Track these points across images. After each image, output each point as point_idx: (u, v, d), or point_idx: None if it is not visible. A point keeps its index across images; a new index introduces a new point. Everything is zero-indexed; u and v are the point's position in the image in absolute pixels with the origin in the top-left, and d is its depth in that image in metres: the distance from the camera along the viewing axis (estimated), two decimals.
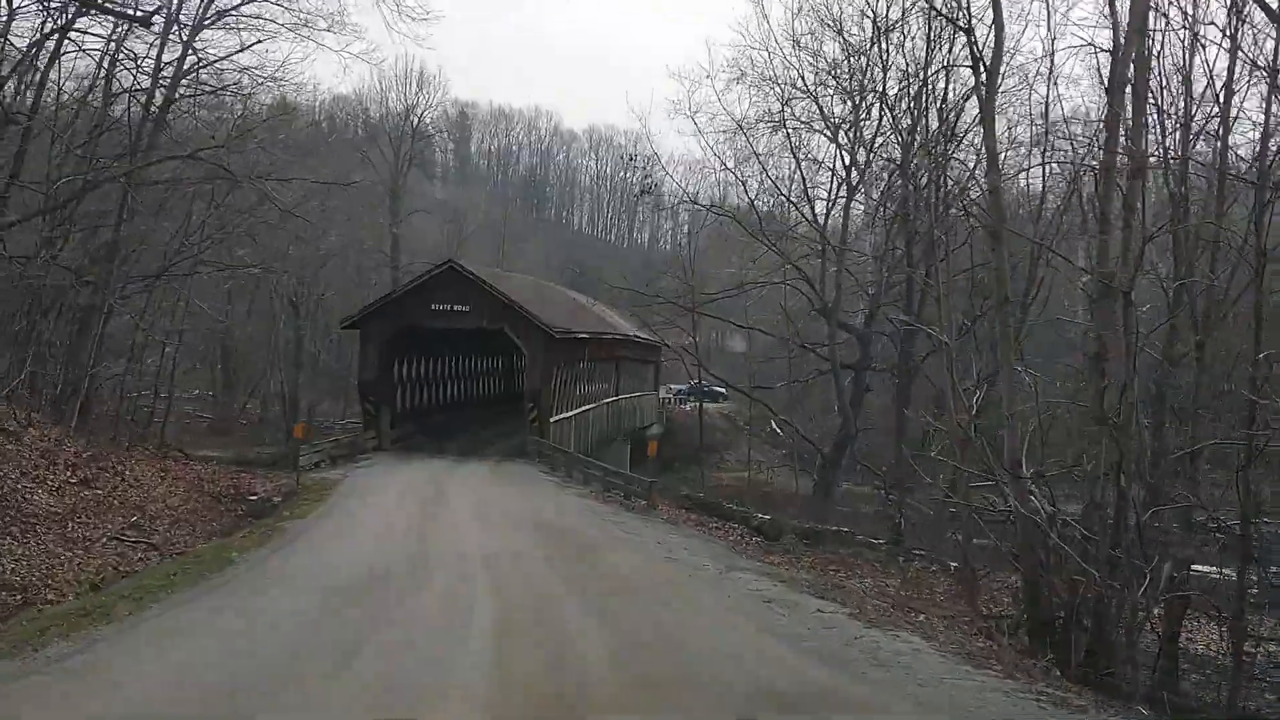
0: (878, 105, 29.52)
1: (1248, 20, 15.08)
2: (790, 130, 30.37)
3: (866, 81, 29.57)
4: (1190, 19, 15.18)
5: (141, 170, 23.35)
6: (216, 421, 42.22)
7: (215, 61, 25.72)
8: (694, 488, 31.61)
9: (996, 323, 13.02)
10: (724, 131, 32.60)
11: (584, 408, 34.41)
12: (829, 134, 30.12)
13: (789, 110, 30.22)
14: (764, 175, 31.04)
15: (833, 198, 30.59)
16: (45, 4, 19.78)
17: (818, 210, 31.05)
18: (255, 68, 25.43)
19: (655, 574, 13.73)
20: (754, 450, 43.08)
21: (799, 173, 31.35)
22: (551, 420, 29.65)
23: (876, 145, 29.94)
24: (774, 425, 44.46)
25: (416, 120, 62.10)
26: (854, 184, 30.10)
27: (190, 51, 25.56)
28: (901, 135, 28.68)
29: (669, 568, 14.19)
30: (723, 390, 49.74)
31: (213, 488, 23.47)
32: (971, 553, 15.73)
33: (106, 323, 23.10)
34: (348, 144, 50.04)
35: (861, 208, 33.01)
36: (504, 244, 67.51)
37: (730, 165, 31.15)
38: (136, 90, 24.68)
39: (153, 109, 24.46)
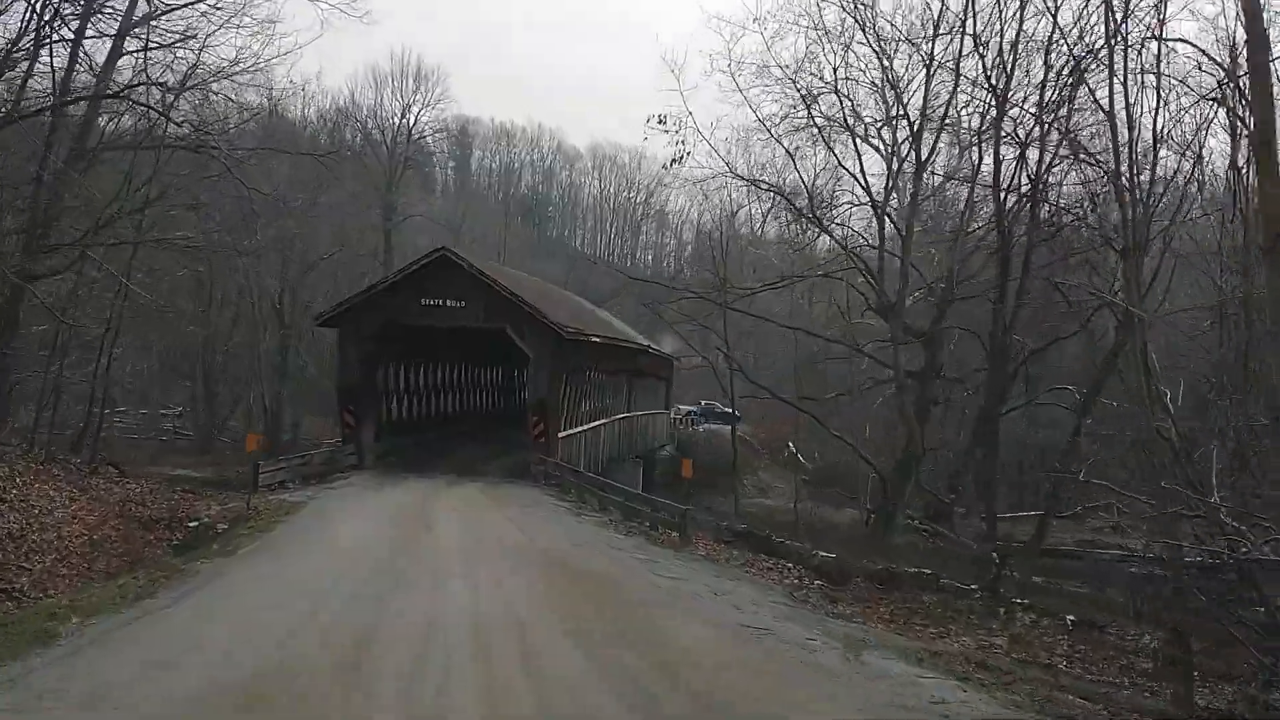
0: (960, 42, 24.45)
1: None
2: (844, 99, 25.71)
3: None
4: None
5: (67, 119, 19.11)
6: (196, 438, 38.64)
7: (169, 11, 21.79)
8: (721, 516, 27.23)
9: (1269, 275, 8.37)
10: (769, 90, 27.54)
11: (595, 423, 30.27)
12: (893, 89, 25.38)
13: (846, 63, 25.42)
14: (816, 141, 26.16)
15: (893, 174, 25.88)
16: None
17: (875, 191, 26.29)
18: (215, 8, 21.45)
19: (747, 663, 8.79)
20: (772, 476, 38.78)
21: (854, 149, 26.68)
22: (559, 435, 25.32)
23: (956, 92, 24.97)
24: (792, 447, 40.32)
25: (413, 119, 58.51)
26: (923, 157, 25.40)
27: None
28: (987, 63, 23.70)
29: (760, 648, 9.27)
30: (735, 411, 45.67)
31: (143, 512, 19.17)
32: (1179, 616, 11.17)
33: (17, 303, 18.72)
34: (340, 150, 46.08)
35: (938, 178, 27.96)
36: (503, 250, 64.08)
37: (774, 134, 26.25)
38: (65, 39, 20.57)
39: (82, 50, 20.29)
